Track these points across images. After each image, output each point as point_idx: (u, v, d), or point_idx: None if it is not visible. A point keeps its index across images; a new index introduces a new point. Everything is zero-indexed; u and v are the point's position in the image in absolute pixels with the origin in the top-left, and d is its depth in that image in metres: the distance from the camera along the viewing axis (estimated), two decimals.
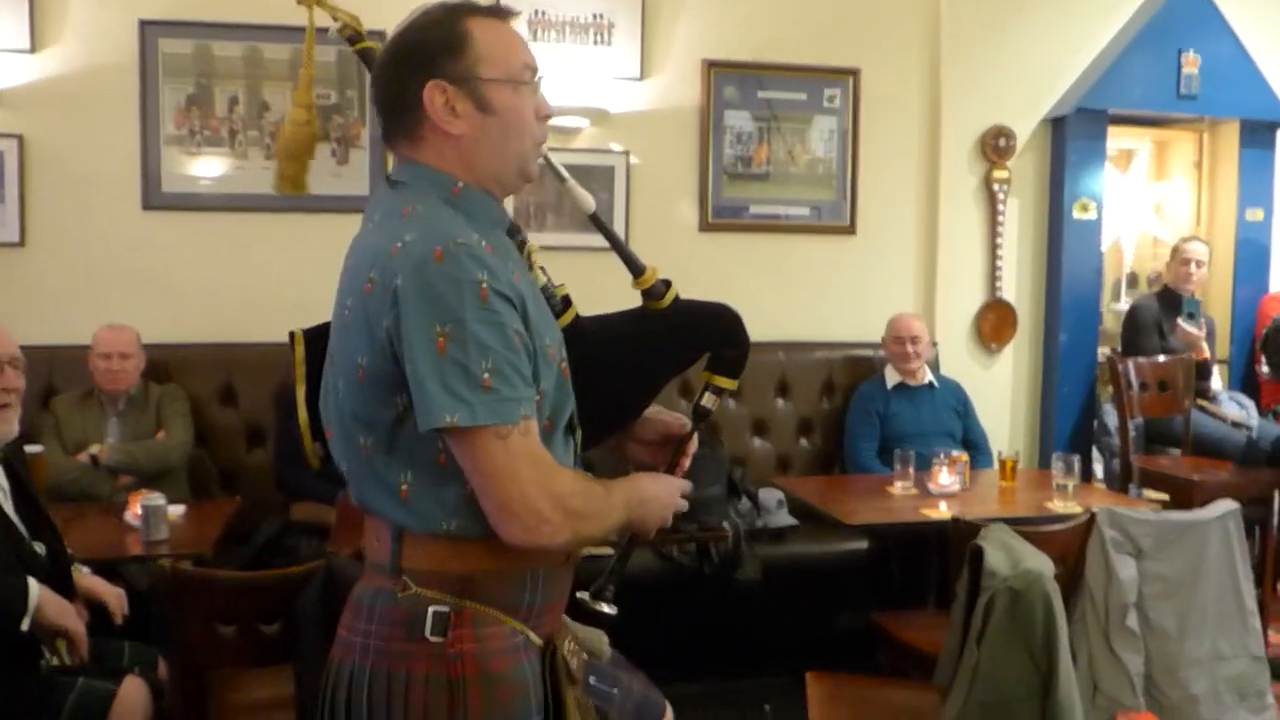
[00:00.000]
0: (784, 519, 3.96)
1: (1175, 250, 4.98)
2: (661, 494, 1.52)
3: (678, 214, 4.61)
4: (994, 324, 4.98)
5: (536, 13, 4.33)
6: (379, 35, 1.73)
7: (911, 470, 3.64)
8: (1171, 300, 4.91)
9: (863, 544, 3.87)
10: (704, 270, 4.55)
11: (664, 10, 4.52)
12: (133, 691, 2.39)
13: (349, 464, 1.42)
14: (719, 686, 3.74)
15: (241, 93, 4.21)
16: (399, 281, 1.28)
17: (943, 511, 3.34)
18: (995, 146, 4.90)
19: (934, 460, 3.65)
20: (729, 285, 4.54)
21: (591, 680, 1.62)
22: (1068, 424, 4.99)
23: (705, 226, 4.63)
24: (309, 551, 3.37)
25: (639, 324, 1.59)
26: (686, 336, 1.61)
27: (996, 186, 4.90)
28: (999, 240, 4.94)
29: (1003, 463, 3.85)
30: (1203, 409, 4.78)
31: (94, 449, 3.61)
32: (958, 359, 4.91)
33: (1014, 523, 2.84)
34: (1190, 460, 4.58)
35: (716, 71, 4.52)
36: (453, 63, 1.39)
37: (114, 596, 2.64)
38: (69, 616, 2.40)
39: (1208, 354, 4.85)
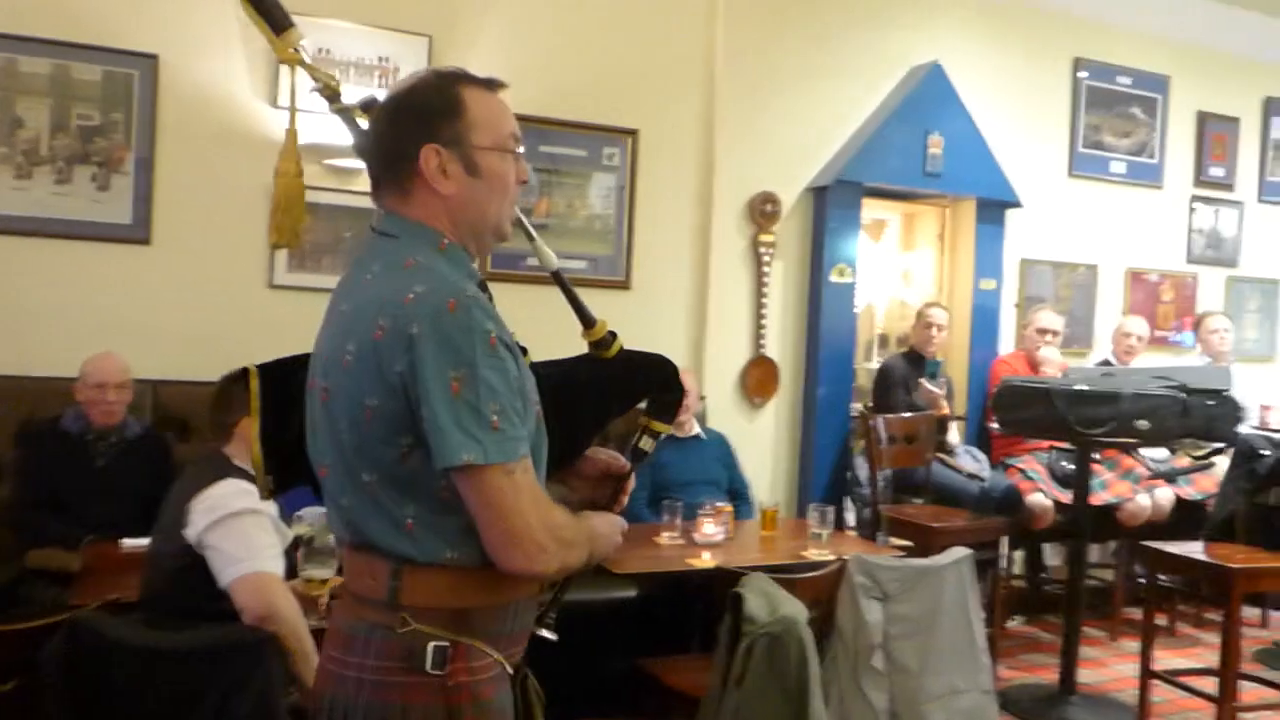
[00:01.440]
0: None
1: (919, 314, 5.39)
2: (608, 531, 1.65)
3: None
4: (758, 379, 5.23)
5: (320, 50, 4.27)
6: None
7: (679, 520, 3.77)
8: (916, 360, 5.30)
9: (631, 592, 3.95)
10: None
11: (450, 58, 4.55)
12: None
13: (349, 499, 1.47)
14: None
15: None
16: (415, 329, 1.37)
17: (707, 560, 3.47)
18: (762, 211, 5.18)
19: (700, 510, 3.78)
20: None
21: None
22: (824, 475, 5.28)
23: (483, 275, 4.64)
24: (49, 602, 3.13)
25: (588, 369, 1.74)
26: (629, 383, 1.79)
27: (762, 249, 5.18)
28: (764, 299, 5.21)
29: (764, 512, 4.03)
30: (942, 461, 5.18)
31: None
32: (724, 412, 5.13)
33: (773, 570, 2.99)
34: (931, 509, 4.94)
35: None
36: (448, 128, 1.51)
37: None
38: None
39: (947, 410, 5.27)
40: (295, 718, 2.18)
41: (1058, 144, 6.16)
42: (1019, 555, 5.65)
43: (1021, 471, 5.26)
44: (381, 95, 1.78)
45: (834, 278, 5.27)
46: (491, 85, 1.58)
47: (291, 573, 2.57)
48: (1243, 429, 4.58)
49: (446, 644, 1.45)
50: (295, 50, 2.09)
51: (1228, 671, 3.70)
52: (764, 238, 5.18)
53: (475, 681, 1.47)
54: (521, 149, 1.60)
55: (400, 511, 1.43)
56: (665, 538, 3.73)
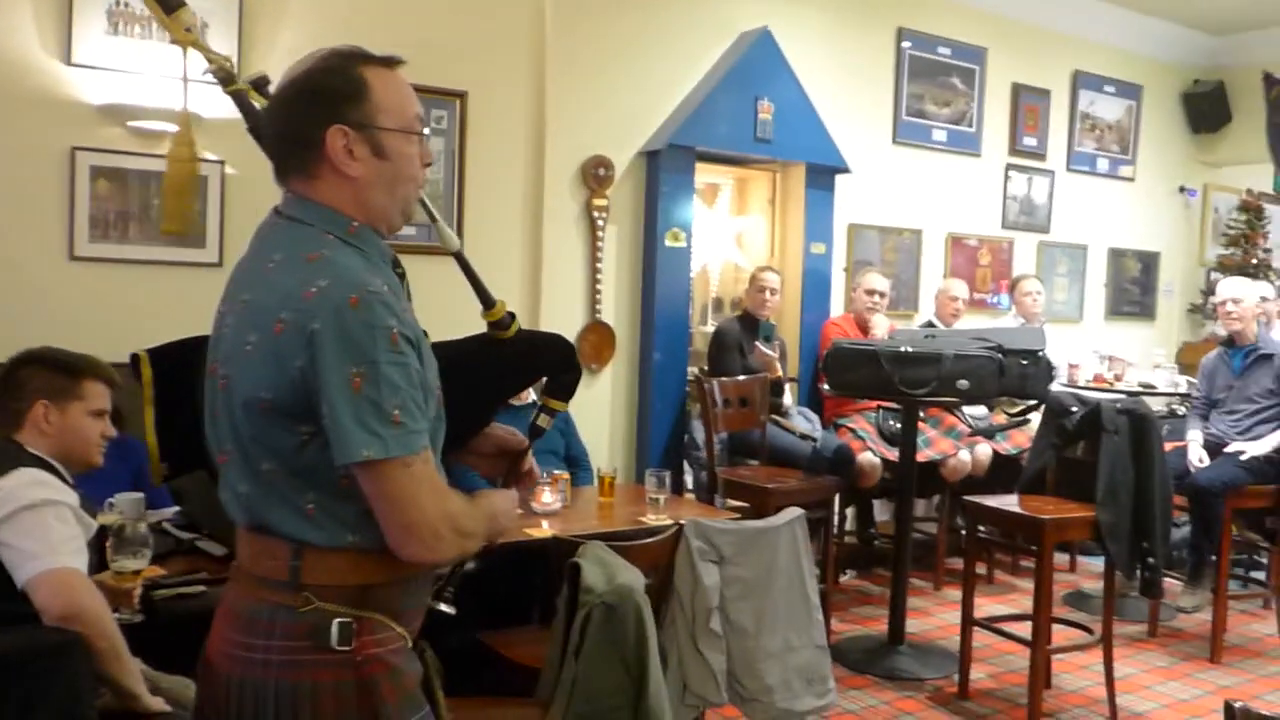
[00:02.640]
0: None
1: (753, 278, 5.46)
2: (508, 508, 1.70)
3: None
4: (594, 344, 5.21)
5: (118, 3, 3.99)
6: None
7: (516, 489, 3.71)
8: (750, 323, 5.38)
9: (469, 564, 3.88)
10: None
11: (263, 15, 4.32)
12: None
13: (248, 486, 1.49)
14: None
15: None
16: (316, 325, 1.38)
17: (545, 530, 3.44)
18: (595, 175, 5.14)
19: (537, 479, 3.73)
20: None
21: None
22: (662, 439, 5.31)
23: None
24: None
25: (486, 350, 1.78)
26: (528, 362, 1.84)
27: (596, 213, 5.14)
28: (599, 264, 5.18)
29: (602, 479, 4.03)
30: (776, 423, 5.28)
31: None
32: None
33: (611, 537, 2.98)
34: (766, 470, 5.03)
35: None
36: (354, 110, 1.51)
37: None
38: None
39: (781, 373, 5.36)
40: None
41: (883, 112, 6.33)
42: (850, 512, 5.83)
43: (852, 431, 5.42)
44: (264, 71, 1.83)
45: (668, 242, 5.29)
46: (390, 63, 1.59)
47: (100, 565, 2.40)
48: (1053, 387, 4.83)
49: (350, 620, 1.47)
50: (189, 31, 2.14)
51: (1040, 616, 3.90)
52: (597, 202, 5.14)
53: (384, 653, 1.50)
54: (427, 130, 1.60)
55: (300, 498, 1.46)
56: None
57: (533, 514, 3.63)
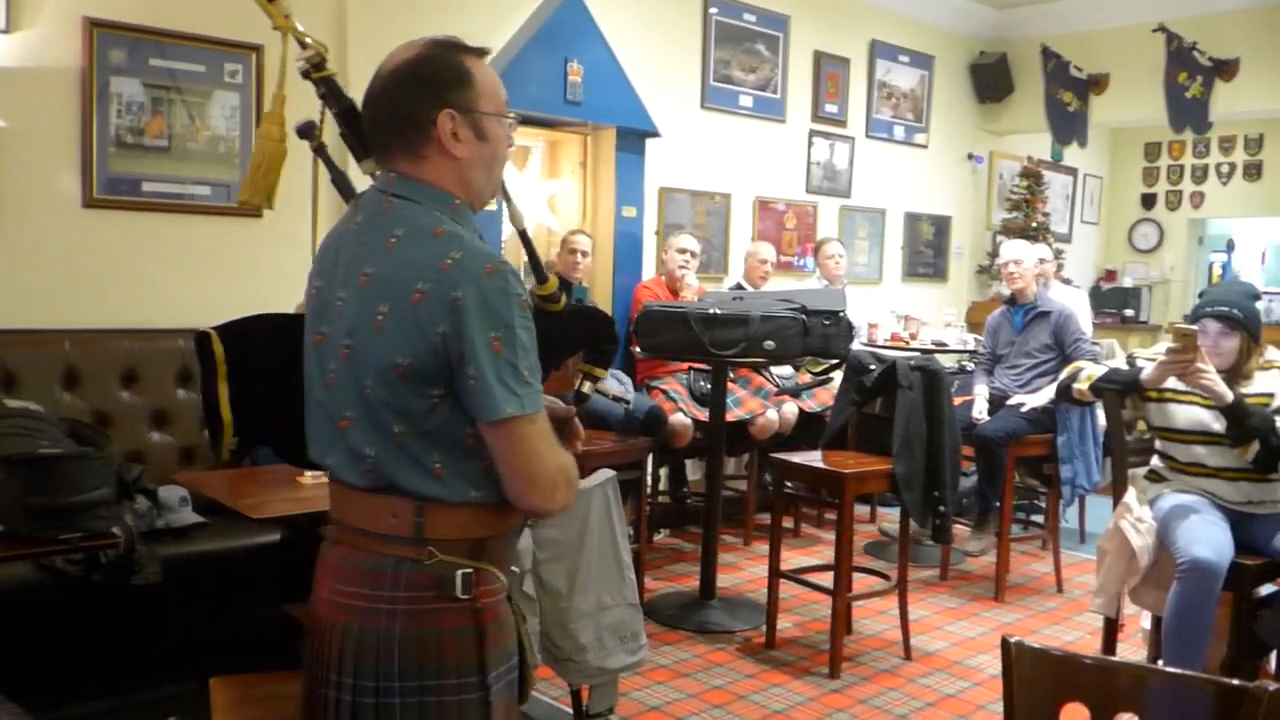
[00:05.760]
0: (188, 516, 3.72)
1: (564, 241, 5.45)
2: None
3: (57, 188, 4.10)
4: None
5: None
6: None
7: None
8: (563, 287, 5.36)
9: (275, 536, 3.77)
10: (91, 251, 4.12)
11: None
12: None
13: (376, 448, 1.59)
14: (117, 703, 3.44)
15: None
16: (458, 294, 1.50)
17: None
18: None
19: None
20: (121, 268, 4.18)
21: None
22: None
23: (90, 203, 4.16)
24: None
25: (537, 321, 1.84)
26: (573, 334, 1.99)
27: None
28: None
29: None
30: None
31: None
32: None
33: None
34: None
35: (100, 31, 4.08)
36: (460, 95, 1.64)
37: None
38: None
39: None
40: None
41: (691, 77, 6.40)
42: (663, 472, 5.94)
43: (664, 393, 5.50)
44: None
45: None
46: (482, 53, 1.73)
47: None
48: (854, 346, 5.03)
49: (470, 570, 1.60)
50: (287, 17, 2.27)
51: (841, 566, 4.09)
52: None
53: (495, 602, 1.65)
54: (513, 114, 1.76)
55: (428, 458, 1.57)
56: (309, 477, 3.55)
57: None
